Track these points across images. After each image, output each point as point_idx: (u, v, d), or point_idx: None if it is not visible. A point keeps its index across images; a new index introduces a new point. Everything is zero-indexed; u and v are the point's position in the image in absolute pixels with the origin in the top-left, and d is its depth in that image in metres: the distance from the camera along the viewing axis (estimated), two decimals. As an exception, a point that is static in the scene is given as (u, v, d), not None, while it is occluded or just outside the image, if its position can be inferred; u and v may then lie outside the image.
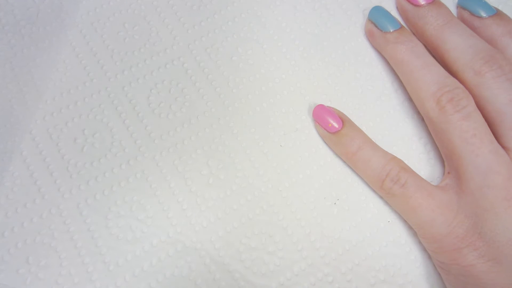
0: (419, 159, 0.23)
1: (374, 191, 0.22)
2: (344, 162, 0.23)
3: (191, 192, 0.22)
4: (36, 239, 0.21)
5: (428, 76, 0.21)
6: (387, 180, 0.20)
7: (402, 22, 0.24)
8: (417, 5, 0.23)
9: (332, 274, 0.21)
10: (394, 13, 0.25)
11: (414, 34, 0.23)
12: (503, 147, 0.20)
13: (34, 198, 0.22)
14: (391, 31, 0.23)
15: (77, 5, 0.25)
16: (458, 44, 0.21)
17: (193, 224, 0.22)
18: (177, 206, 0.22)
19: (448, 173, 0.21)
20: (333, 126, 0.22)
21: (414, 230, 0.22)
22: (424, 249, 0.22)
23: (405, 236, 0.22)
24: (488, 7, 0.22)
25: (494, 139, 0.19)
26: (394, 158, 0.21)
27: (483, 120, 0.20)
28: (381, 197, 0.22)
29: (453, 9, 0.24)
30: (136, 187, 0.22)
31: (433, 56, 0.22)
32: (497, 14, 0.22)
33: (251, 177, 0.23)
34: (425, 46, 0.22)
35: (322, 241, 0.22)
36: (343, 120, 0.22)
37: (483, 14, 0.22)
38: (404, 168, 0.21)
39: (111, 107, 0.24)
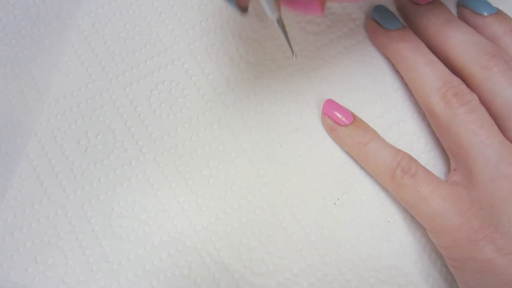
0: (420, 159, 0.22)
1: (374, 191, 0.22)
2: (351, 155, 0.23)
3: (192, 192, 0.23)
4: (43, 239, 0.22)
5: (433, 72, 0.21)
6: (398, 170, 0.20)
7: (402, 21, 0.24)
8: (418, 3, 0.23)
9: (332, 274, 0.22)
10: (394, 12, 0.24)
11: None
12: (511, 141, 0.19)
13: (41, 199, 0.23)
14: (395, 29, 0.22)
15: (77, 6, 0.26)
16: (463, 40, 0.21)
17: (193, 224, 0.22)
18: (178, 207, 0.22)
19: (454, 170, 0.21)
20: (345, 119, 0.22)
21: (414, 230, 0.22)
22: (425, 249, 0.22)
23: (405, 236, 0.22)
24: (489, 6, 0.22)
25: (500, 131, 0.19)
26: (403, 151, 0.21)
27: (488, 114, 0.20)
28: (381, 197, 0.22)
29: (453, 9, 0.24)
30: (138, 187, 0.23)
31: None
32: (498, 12, 0.22)
33: (251, 177, 0.23)
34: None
35: (322, 241, 0.22)
36: (353, 115, 0.22)
37: (485, 13, 0.22)
38: (413, 159, 0.21)
39: (113, 108, 0.24)
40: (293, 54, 0.19)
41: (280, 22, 0.17)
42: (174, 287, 0.21)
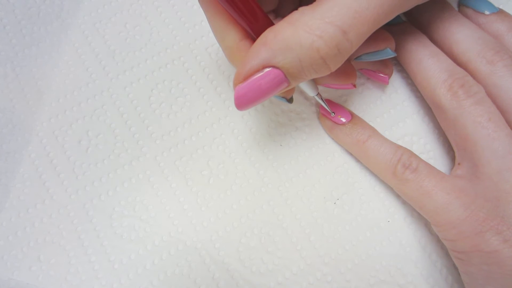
0: (420, 159, 0.22)
1: (374, 191, 0.22)
2: (351, 153, 0.23)
3: (192, 192, 0.23)
4: (46, 238, 0.22)
5: (438, 64, 0.20)
6: (399, 166, 0.20)
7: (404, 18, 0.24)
8: None
9: (331, 274, 0.22)
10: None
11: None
12: None
13: (44, 199, 0.23)
14: (396, 24, 0.22)
15: (78, 5, 0.26)
16: (467, 35, 0.21)
17: (193, 224, 0.22)
18: (178, 206, 0.23)
19: (459, 164, 0.20)
20: (343, 118, 0.22)
21: (414, 230, 0.22)
22: (425, 249, 0.22)
23: (405, 236, 0.22)
24: (490, 5, 0.22)
25: (506, 124, 0.19)
26: (402, 146, 0.21)
27: (495, 106, 0.19)
28: (381, 197, 0.22)
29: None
30: (138, 187, 0.23)
31: None
32: (500, 11, 0.22)
33: (251, 177, 0.23)
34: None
35: (322, 241, 0.22)
36: (351, 113, 0.22)
37: (486, 12, 0.22)
38: (414, 154, 0.21)
39: (113, 108, 0.24)
40: (331, 113, 0.22)
41: (318, 96, 0.21)
42: (174, 286, 0.21)
